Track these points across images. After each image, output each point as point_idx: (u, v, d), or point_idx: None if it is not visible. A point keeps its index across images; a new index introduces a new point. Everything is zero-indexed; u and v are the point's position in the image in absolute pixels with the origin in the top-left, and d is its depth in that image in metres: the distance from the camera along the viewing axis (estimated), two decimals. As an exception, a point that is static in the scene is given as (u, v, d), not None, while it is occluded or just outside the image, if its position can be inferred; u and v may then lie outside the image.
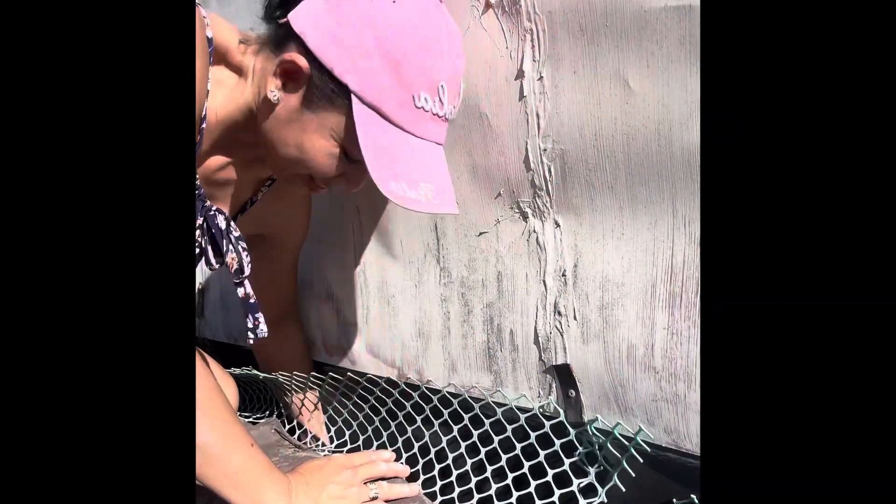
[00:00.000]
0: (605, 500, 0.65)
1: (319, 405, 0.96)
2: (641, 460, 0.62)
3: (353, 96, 0.56)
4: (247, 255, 0.72)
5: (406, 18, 0.55)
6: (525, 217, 0.70)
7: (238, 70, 0.64)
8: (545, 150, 0.65)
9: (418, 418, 0.81)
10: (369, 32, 0.54)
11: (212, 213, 0.68)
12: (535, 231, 0.69)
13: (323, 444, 0.95)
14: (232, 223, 0.71)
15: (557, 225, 0.67)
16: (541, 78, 0.63)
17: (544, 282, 0.70)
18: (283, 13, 0.58)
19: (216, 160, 0.69)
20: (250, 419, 1.01)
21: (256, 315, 0.75)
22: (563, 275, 0.68)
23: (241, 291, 0.74)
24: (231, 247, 0.70)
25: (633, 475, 0.62)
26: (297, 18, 0.57)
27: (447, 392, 0.79)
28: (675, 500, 0.60)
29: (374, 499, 0.66)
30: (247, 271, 0.72)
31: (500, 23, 0.64)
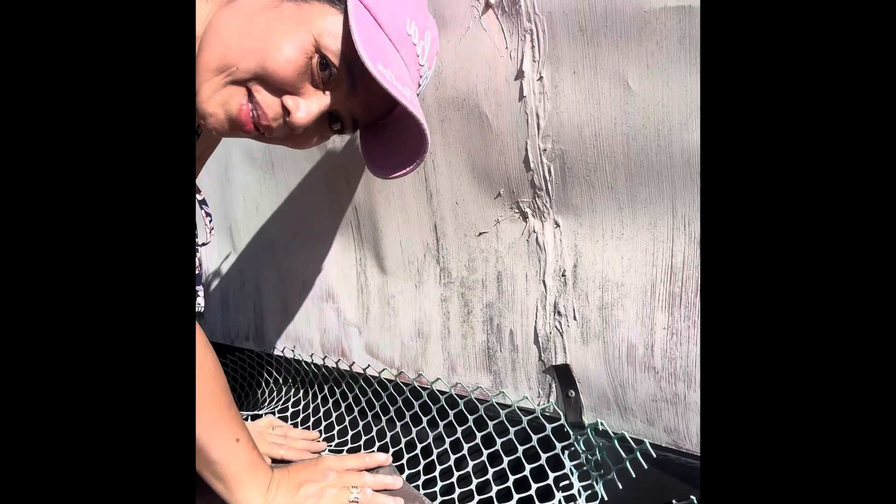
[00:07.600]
0: (605, 499, 0.65)
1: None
2: (646, 466, 0.62)
3: None
4: (209, 221, 0.66)
5: None
6: (525, 217, 0.70)
7: None
8: (545, 150, 0.65)
9: (424, 418, 0.81)
10: None
11: None
12: (534, 231, 0.69)
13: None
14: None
15: (557, 225, 0.67)
16: (540, 78, 0.63)
17: (544, 282, 0.70)
18: None
19: None
20: (248, 416, 1.01)
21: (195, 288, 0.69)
22: (563, 275, 0.68)
23: None
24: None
25: (633, 475, 0.62)
26: None
27: (438, 390, 0.79)
28: (674, 500, 0.60)
29: (353, 502, 0.66)
30: (207, 239, 0.66)
31: (500, 23, 0.64)
